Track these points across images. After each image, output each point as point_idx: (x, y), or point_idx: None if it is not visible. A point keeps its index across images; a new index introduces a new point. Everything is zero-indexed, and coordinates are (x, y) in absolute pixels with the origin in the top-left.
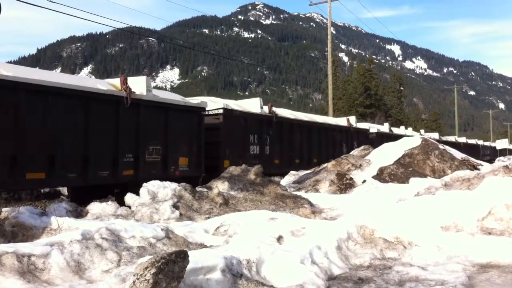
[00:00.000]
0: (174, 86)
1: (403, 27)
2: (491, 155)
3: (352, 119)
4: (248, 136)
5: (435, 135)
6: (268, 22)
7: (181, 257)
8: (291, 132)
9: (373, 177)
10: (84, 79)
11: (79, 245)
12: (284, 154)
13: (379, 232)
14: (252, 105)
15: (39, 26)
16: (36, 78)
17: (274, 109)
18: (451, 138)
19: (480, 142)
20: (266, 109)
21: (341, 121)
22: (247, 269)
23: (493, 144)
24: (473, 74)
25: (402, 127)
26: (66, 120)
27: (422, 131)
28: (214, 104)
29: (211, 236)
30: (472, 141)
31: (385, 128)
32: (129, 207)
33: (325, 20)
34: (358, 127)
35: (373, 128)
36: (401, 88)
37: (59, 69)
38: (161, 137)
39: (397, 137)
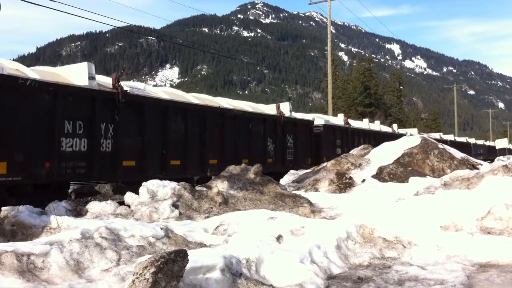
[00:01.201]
0: (174, 85)
1: (402, 26)
2: (485, 154)
3: (285, 106)
4: (61, 123)
5: (413, 131)
6: (267, 21)
7: (181, 256)
8: (165, 121)
9: (372, 176)
10: None
11: (79, 244)
12: (147, 152)
13: (379, 231)
14: (75, 73)
15: (39, 25)
16: None
17: (125, 83)
18: (435, 136)
19: (472, 140)
20: (107, 80)
21: (267, 108)
22: (247, 268)
23: (487, 143)
24: (472, 73)
25: (366, 120)
26: None
27: (394, 125)
28: None
29: (211, 235)
30: (461, 139)
31: (338, 120)
32: (129, 206)
33: (324, 19)
34: (295, 117)
35: (319, 119)
36: (401, 87)
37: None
38: None
39: (356, 132)
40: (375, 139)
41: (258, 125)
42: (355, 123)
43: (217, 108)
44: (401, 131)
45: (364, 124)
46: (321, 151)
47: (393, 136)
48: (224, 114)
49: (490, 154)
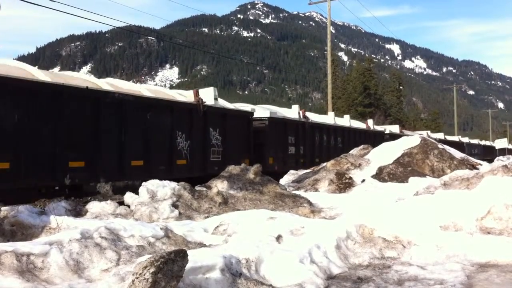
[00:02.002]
0: (174, 85)
1: (402, 27)
2: (481, 154)
3: (207, 92)
4: None
5: (394, 128)
6: (267, 21)
7: (180, 256)
8: None
9: (372, 176)
10: None
11: (78, 244)
12: None
13: (378, 231)
14: None
15: (39, 25)
16: None
17: None
18: (422, 134)
19: (465, 140)
20: None
21: (181, 95)
22: (246, 268)
23: (482, 142)
24: (472, 73)
25: (331, 114)
26: None
27: (370, 121)
28: None
29: (210, 235)
30: (453, 138)
31: (292, 112)
32: (128, 206)
33: (324, 19)
34: (224, 106)
35: (263, 110)
36: (401, 87)
37: (59, 68)
38: None
39: (317, 127)
40: (343, 136)
41: (161, 115)
42: (316, 117)
43: (83, 90)
44: (379, 128)
45: (328, 118)
46: (265, 150)
47: (367, 134)
48: (99, 99)
49: (486, 154)
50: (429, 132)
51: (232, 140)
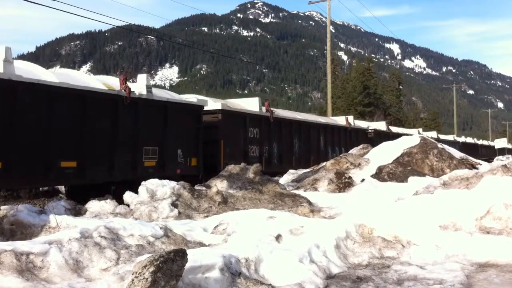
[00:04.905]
0: (173, 84)
1: (402, 26)
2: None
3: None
4: None
5: (373, 125)
6: (267, 20)
7: (180, 255)
8: None
9: (372, 176)
10: None
11: (78, 243)
12: None
13: (378, 231)
14: None
15: (38, 24)
16: None
17: None
18: (361, 124)
19: (431, 134)
20: None
21: None
22: (246, 268)
23: (460, 139)
24: (472, 73)
25: (144, 77)
26: None
27: (233, 100)
28: None
29: (210, 234)
30: (411, 132)
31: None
32: (128, 205)
33: (324, 19)
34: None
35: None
36: (400, 87)
37: (58, 67)
38: None
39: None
40: (136, 118)
41: None
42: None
43: None
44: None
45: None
46: None
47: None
48: None
49: (470, 154)
50: (370, 124)
51: None
